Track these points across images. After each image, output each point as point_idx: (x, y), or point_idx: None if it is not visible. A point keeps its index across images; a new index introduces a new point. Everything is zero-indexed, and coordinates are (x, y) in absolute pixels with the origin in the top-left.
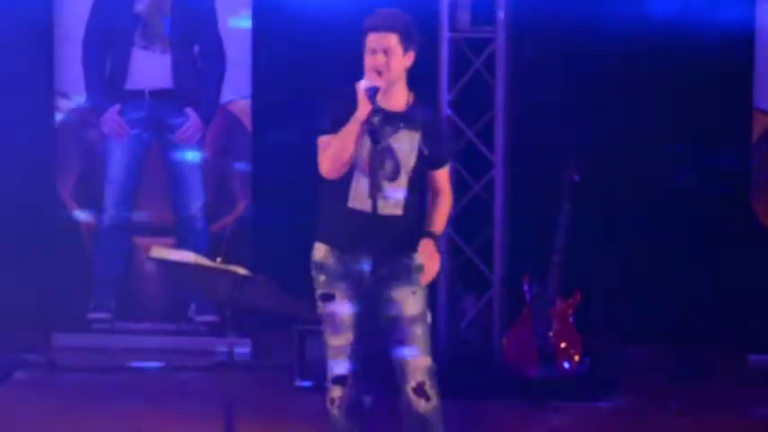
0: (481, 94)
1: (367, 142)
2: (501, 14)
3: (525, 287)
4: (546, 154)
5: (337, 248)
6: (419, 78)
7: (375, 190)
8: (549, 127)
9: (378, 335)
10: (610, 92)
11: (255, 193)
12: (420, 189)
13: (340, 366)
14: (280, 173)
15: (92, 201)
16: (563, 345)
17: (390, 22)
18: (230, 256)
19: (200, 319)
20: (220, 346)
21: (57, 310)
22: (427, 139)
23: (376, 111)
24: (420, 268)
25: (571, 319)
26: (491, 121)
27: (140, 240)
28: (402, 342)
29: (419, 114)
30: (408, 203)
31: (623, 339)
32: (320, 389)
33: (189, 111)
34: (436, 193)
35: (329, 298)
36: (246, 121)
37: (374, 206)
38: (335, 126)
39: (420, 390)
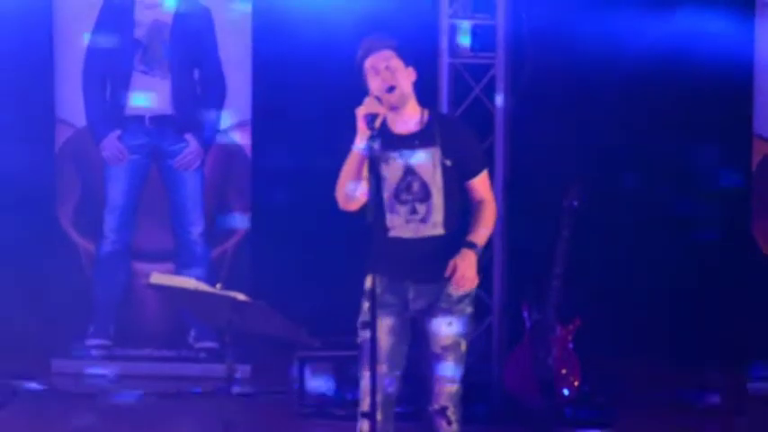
0: (481, 119)
1: (398, 169)
2: (500, 40)
3: (525, 313)
4: (545, 180)
5: (385, 277)
6: (419, 103)
7: (410, 215)
8: (549, 153)
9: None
10: (610, 118)
11: (255, 219)
12: (458, 204)
13: (368, 400)
14: (279, 199)
15: (91, 226)
16: (563, 371)
17: (382, 43)
18: (230, 281)
19: (199, 345)
20: (220, 373)
21: (56, 337)
22: (448, 152)
23: (375, 136)
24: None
25: (571, 345)
26: (491, 147)
27: (140, 266)
28: (432, 367)
29: (435, 129)
30: (448, 221)
31: (623, 365)
32: (320, 415)
33: (188, 136)
34: (477, 203)
35: (368, 326)
36: (246, 146)
37: (412, 231)
38: (343, 150)
39: (443, 413)
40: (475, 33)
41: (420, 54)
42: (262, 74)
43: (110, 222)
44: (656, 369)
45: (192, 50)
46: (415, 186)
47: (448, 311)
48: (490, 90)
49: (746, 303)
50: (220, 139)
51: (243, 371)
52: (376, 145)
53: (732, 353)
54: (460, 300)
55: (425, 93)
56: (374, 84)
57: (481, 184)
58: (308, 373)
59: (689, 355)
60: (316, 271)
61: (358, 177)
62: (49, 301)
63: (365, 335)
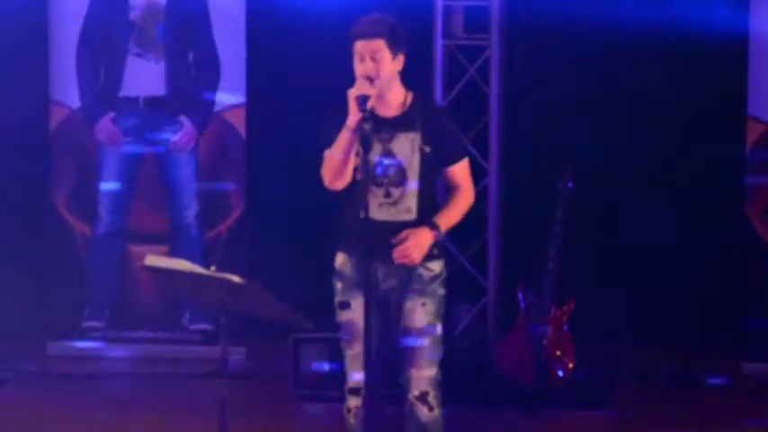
0: (475, 101)
1: (377, 152)
2: (495, 22)
3: (519, 295)
4: (540, 161)
5: (354, 256)
6: (413, 86)
7: (383, 198)
8: (544, 134)
9: (393, 343)
10: (604, 99)
11: (249, 201)
12: (434, 191)
13: (355, 376)
14: (274, 180)
15: (86, 209)
16: (557, 353)
17: (376, 28)
18: (224, 263)
19: (194, 327)
20: (215, 354)
21: (51, 319)
22: (429, 138)
23: (367, 118)
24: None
25: (566, 327)
26: (485, 129)
27: (134, 248)
28: (408, 352)
29: (417, 114)
30: (421, 208)
31: (618, 347)
32: (315, 397)
33: (183, 118)
34: (453, 189)
35: (345, 306)
36: (241, 128)
37: (384, 214)
38: (335, 138)
39: (423, 398)
40: (469, 15)
41: (414, 36)
42: (256, 56)
43: (104, 205)
44: (650, 351)
45: (186, 32)
46: (392, 171)
47: (421, 292)
48: (485, 72)
49: (741, 284)
50: (215, 121)
51: (237, 353)
52: (368, 126)
53: (728, 334)
54: (432, 280)
55: (420, 74)
56: (358, 69)
57: (460, 172)
58: (302, 354)
59: (684, 337)
60: (310, 253)
61: (347, 158)
62: (43, 283)
63: (344, 314)
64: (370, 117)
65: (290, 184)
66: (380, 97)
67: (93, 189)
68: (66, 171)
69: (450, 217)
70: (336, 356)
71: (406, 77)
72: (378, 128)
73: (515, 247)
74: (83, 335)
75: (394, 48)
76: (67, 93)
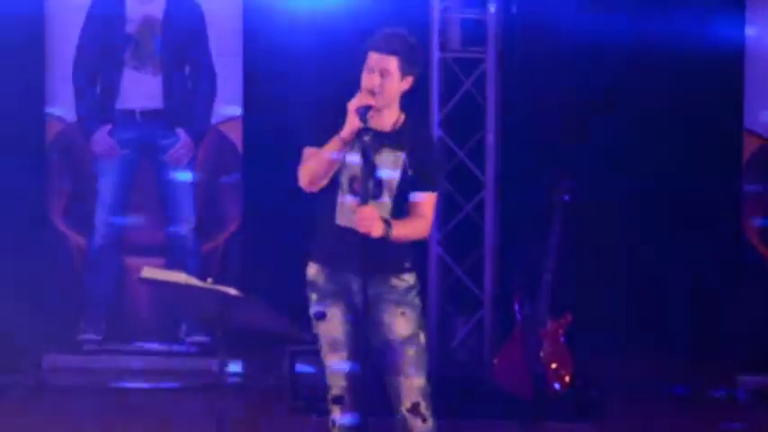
0: (471, 113)
1: (354, 160)
2: (491, 34)
3: (516, 307)
4: (536, 174)
5: (327, 267)
6: (409, 98)
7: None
8: (540, 147)
9: (372, 355)
10: (600, 112)
11: (246, 213)
12: (405, 212)
13: (337, 386)
14: (271, 193)
15: (82, 221)
16: (553, 365)
17: (392, 45)
18: (221, 276)
19: (190, 339)
20: (212, 367)
21: (47, 331)
22: (413, 161)
23: (366, 129)
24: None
25: (562, 339)
26: (482, 141)
27: (131, 260)
28: (394, 363)
29: (407, 136)
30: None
31: (614, 359)
32: (312, 409)
33: (179, 131)
34: (414, 216)
35: (321, 317)
36: (237, 141)
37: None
38: (320, 139)
39: (415, 410)
40: (465, 28)
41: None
42: (253, 69)
43: (100, 217)
44: (646, 363)
45: (182, 45)
46: (371, 183)
47: (399, 303)
48: (481, 84)
49: (738, 297)
50: (211, 133)
51: (234, 365)
52: (368, 138)
53: (724, 347)
54: (408, 290)
55: (416, 87)
56: (364, 80)
57: (427, 204)
58: (299, 367)
59: (680, 349)
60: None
61: (332, 165)
62: (39, 295)
63: (320, 326)
64: (370, 130)
65: (286, 196)
66: (378, 111)
67: (90, 201)
68: (63, 183)
69: (402, 228)
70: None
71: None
72: (367, 138)
73: (511, 259)
74: (79, 347)
75: (405, 69)
76: (63, 107)
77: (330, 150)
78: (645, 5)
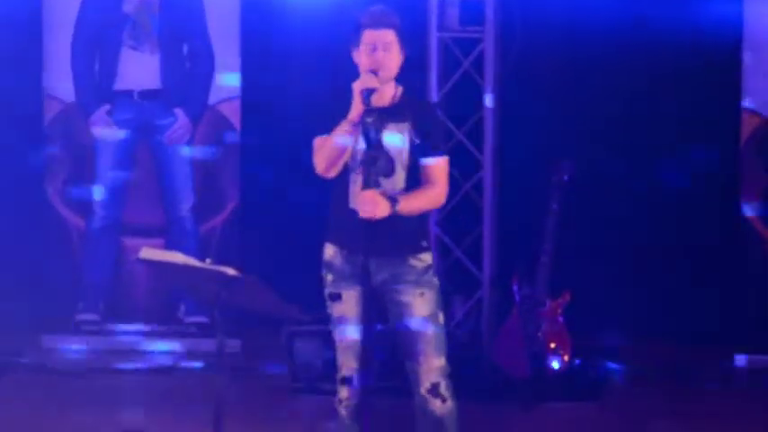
0: (470, 94)
1: (361, 142)
2: (490, 14)
3: (514, 287)
4: (535, 154)
5: (344, 249)
6: (408, 78)
7: (370, 188)
8: (539, 127)
9: (389, 336)
10: (599, 92)
11: (244, 194)
12: (420, 182)
13: (347, 367)
14: (269, 173)
15: (80, 202)
16: (552, 345)
17: (388, 19)
18: (220, 256)
19: (189, 320)
20: (210, 347)
21: (45, 312)
22: (417, 130)
23: (370, 111)
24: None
25: (560, 320)
26: (480, 122)
27: (129, 241)
28: (413, 344)
29: (407, 106)
30: None
31: (612, 339)
32: (310, 390)
33: (178, 111)
34: (426, 184)
35: (336, 297)
36: (235, 121)
37: None
38: (332, 127)
39: (435, 391)
40: (464, 7)
41: (409, 28)
42: (251, 48)
43: (99, 198)
44: (645, 343)
45: (180, 25)
46: (381, 161)
47: (417, 283)
48: (479, 64)
49: (736, 277)
50: (209, 113)
51: (233, 345)
52: (371, 120)
53: (722, 327)
54: (426, 270)
55: (414, 67)
56: (366, 59)
57: (438, 168)
58: (297, 347)
59: (679, 329)
60: (305, 246)
61: (344, 149)
62: (38, 276)
63: (335, 306)
64: (373, 110)
65: (284, 176)
66: (378, 90)
67: (88, 182)
68: (61, 165)
69: (412, 201)
70: (332, 349)
71: (404, 72)
72: (370, 117)
73: (510, 239)
74: (78, 328)
75: (401, 41)
76: (61, 87)
77: (339, 134)
78: None
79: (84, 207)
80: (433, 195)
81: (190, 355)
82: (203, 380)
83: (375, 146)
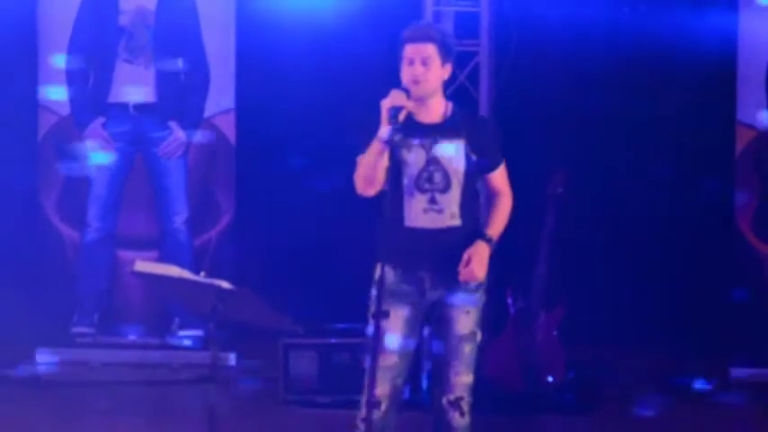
0: (465, 106)
1: (414, 158)
2: (485, 27)
3: (509, 300)
4: (531, 166)
5: (399, 268)
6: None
7: (428, 204)
8: (534, 140)
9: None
10: (593, 105)
11: (239, 207)
12: (476, 196)
13: (380, 388)
14: (263, 186)
15: (75, 214)
16: (547, 358)
17: (427, 33)
18: (214, 269)
19: (184, 332)
20: (204, 360)
21: (40, 325)
22: (473, 146)
23: (396, 129)
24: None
25: (555, 333)
26: None
27: (124, 254)
28: (448, 358)
29: (460, 122)
30: (465, 213)
31: (607, 352)
32: (304, 403)
33: (172, 124)
34: (494, 195)
35: (384, 315)
36: (230, 134)
37: (429, 221)
38: (367, 146)
39: (457, 404)
40: (459, 21)
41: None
42: (246, 62)
43: (94, 210)
44: (639, 357)
45: (175, 38)
46: (437, 177)
47: (467, 300)
48: (474, 78)
49: (731, 290)
50: (204, 127)
51: (227, 358)
52: (397, 137)
53: (716, 339)
54: (477, 288)
55: None
56: (405, 73)
57: (500, 178)
58: (292, 360)
59: (673, 342)
60: (299, 258)
61: (376, 166)
62: (33, 288)
63: (381, 323)
64: (401, 128)
65: (279, 189)
66: (422, 103)
67: (83, 195)
68: (56, 176)
69: (499, 226)
70: (326, 362)
71: (397, 82)
72: (421, 134)
73: (505, 252)
74: (72, 341)
75: (444, 55)
76: (56, 99)
77: (370, 153)
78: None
79: (79, 220)
80: (507, 207)
81: (184, 367)
82: (197, 393)
83: (430, 161)
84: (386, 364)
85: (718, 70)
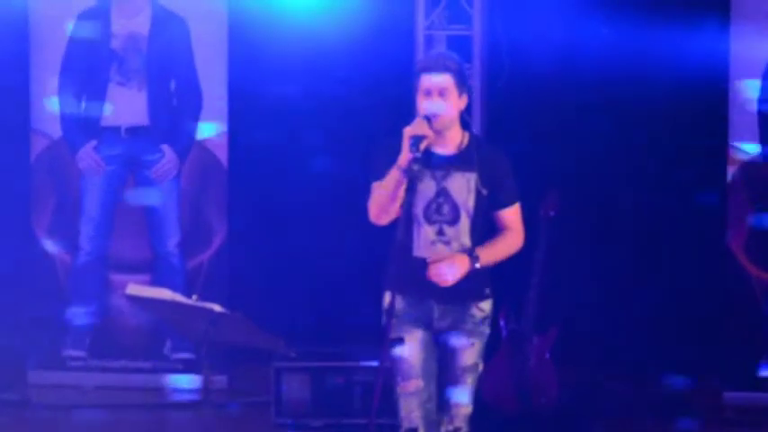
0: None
1: (431, 188)
2: (477, 51)
3: (502, 323)
4: (523, 189)
5: (407, 296)
6: (395, 115)
7: (436, 236)
8: (526, 162)
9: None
10: (586, 128)
11: (231, 230)
12: (485, 231)
13: (412, 417)
14: (256, 209)
15: (67, 237)
16: (540, 380)
17: (445, 63)
18: (206, 292)
19: (175, 356)
20: (196, 384)
21: (31, 348)
22: (485, 180)
23: (417, 159)
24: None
25: (548, 355)
26: None
27: (116, 277)
28: (450, 386)
29: (474, 155)
30: (474, 246)
31: (600, 375)
32: (297, 427)
33: (165, 147)
34: (502, 229)
35: (399, 342)
36: (222, 157)
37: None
38: (385, 173)
39: None
40: (451, 44)
41: (396, 65)
42: (238, 85)
43: (86, 233)
44: (632, 379)
45: (168, 61)
46: (446, 209)
47: (472, 333)
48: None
49: (723, 313)
50: (196, 149)
51: (219, 381)
52: (417, 167)
53: (709, 363)
54: (483, 321)
55: (403, 104)
56: (422, 104)
57: (512, 215)
58: (284, 383)
59: (666, 366)
60: (292, 282)
61: (394, 195)
62: (24, 311)
63: (399, 351)
64: (422, 158)
65: (271, 212)
66: (439, 134)
67: (75, 218)
68: (48, 199)
69: (492, 251)
70: (319, 386)
71: (391, 99)
72: (433, 165)
73: (498, 274)
74: (64, 364)
75: (460, 85)
76: (49, 123)
77: (389, 182)
78: (629, 23)
79: (71, 242)
80: (512, 242)
81: (176, 391)
82: (190, 416)
83: (439, 193)
84: (411, 389)
85: (710, 94)
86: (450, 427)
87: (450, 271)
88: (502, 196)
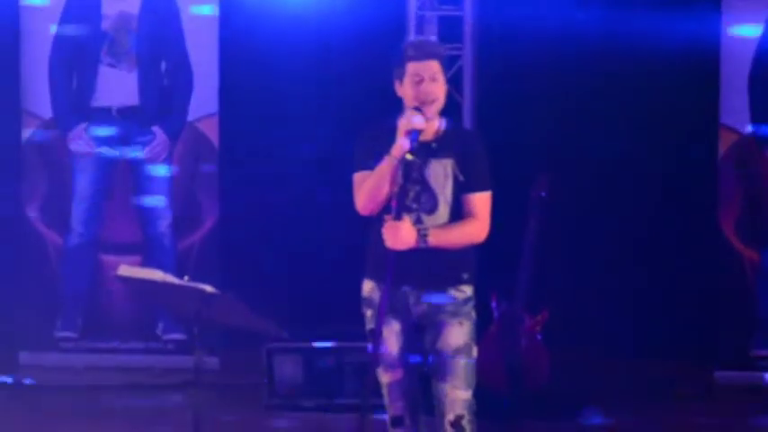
0: (448, 110)
1: (409, 177)
2: (468, 30)
3: (493, 304)
4: (514, 170)
5: (383, 282)
6: (385, 97)
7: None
8: (517, 143)
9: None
10: (577, 109)
11: (222, 211)
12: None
13: (396, 406)
14: (247, 190)
15: (59, 219)
16: (531, 362)
17: (432, 49)
18: (198, 273)
19: (167, 337)
20: (188, 364)
21: (23, 329)
22: (461, 166)
23: (413, 150)
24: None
25: (539, 337)
26: None
27: (107, 258)
28: (443, 373)
29: (452, 141)
30: None
31: (591, 356)
32: (289, 407)
33: (156, 128)
34: (467, 216)
35: (379, 334)
36: (214, 137)
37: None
38: (372, 162)
39: (458, 424)
40: (442, 24)
41: (387, 46)
42: (229, 65)
43: (77, 215)
44: (624, 360)
45: (158, 42)
46: (424, 197)
47: (455, 313)
48: (458, 81)
49: (714, 292)
50: (188, 130)
51: (211, 362)
52: (412, 157)
53: (700, 342)
54: (465, 302)
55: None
56: (414, 91)
57: (480, 202)
58: (276, 364)
59: (657, 346)
60: (283, 263)
61: (385, 186)
62: (16, 293)
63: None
64: (417, 149)
65: (262, 193)
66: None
67: (66, 199)
68: (39, 181)
69: (446, 234)
70: (310, 366)
71: (381, 88)
72: (415, 153)
73: (489, 256)
74: (56, 345)
75: (445, 71)
76: (39, 104)
77: (383, 172)
78: (621, 4)
79: (62, 224)
80: (472, 229)
81: (168, 372)
82: (182, 397)
83: (418, 182)
84: (392, 379)
85: (702, 73)
86: (452, 416)
87: (390, 234)
88: (472, 180)
